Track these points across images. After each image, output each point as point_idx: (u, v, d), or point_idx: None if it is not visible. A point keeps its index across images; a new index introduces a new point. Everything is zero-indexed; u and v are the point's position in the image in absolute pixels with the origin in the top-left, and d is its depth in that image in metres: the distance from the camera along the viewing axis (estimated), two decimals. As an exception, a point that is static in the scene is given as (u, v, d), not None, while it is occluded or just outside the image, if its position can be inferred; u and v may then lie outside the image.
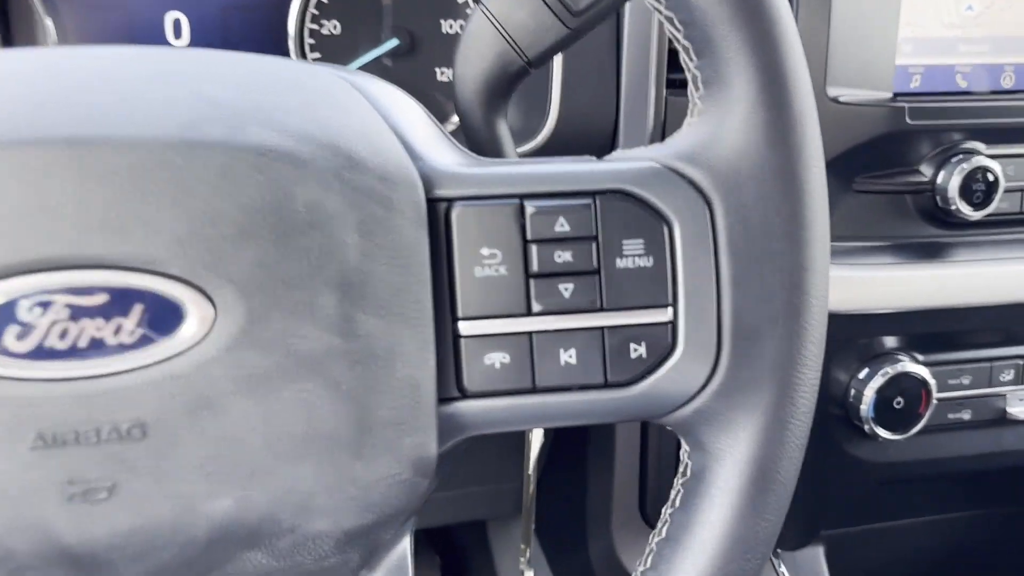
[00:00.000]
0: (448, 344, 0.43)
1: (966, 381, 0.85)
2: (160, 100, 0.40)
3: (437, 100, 0.96)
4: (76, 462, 0.37)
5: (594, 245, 0.43)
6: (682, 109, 0.88)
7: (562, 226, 0.43)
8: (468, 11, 0.92)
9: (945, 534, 1.01)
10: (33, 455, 0.37)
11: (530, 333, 0.43)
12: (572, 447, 0.93)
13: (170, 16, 0.88)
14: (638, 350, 0.44)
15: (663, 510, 0.47)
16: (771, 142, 0.44)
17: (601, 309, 0.43)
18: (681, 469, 0.47)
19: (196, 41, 0.89)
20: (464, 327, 0.43)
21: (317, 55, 0.90)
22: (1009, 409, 0.86)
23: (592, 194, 0.44)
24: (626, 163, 0.45)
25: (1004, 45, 0.85)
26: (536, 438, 0.71)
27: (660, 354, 0.44)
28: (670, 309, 0.44)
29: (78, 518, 0.37)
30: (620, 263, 0.44)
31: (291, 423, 0.39)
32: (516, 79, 0.61)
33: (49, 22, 0.85)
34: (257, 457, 0.39)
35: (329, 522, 0.41)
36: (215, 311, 0.38)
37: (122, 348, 0.37)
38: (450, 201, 0.43)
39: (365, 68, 0.91)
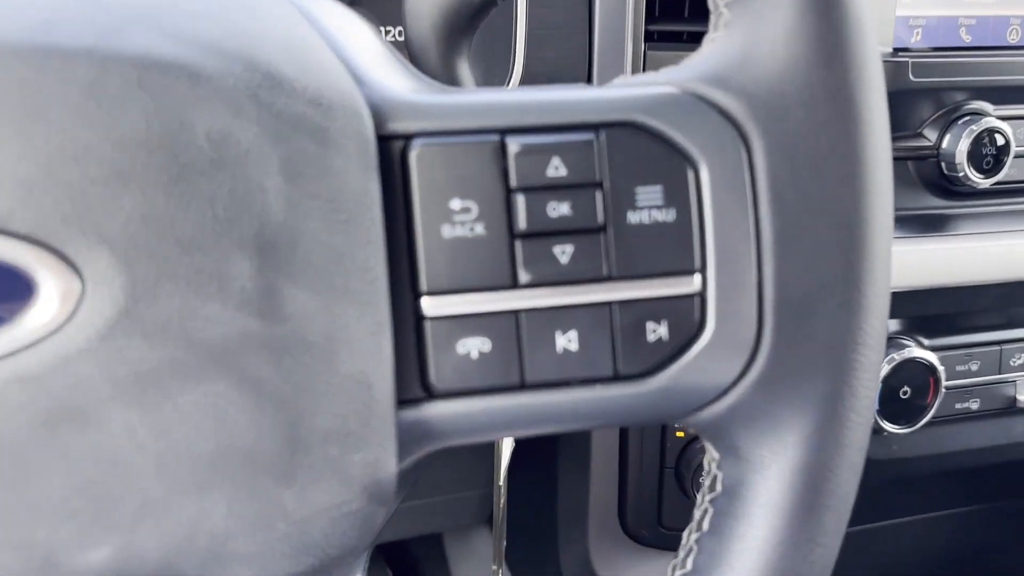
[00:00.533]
0: (409, 328, 0.32)
1: (975, 367, 0.77)
2: None
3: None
4: None
5: (599, 194, 0.33)
6: (663, 64, 0.79)
7: (557, 169, 0.33)
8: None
9: (949, 531, 0.93)
10: None
11: (516, 312, 0.33)
12: (540, 444, 0.83)
13: None
14: (657, 331, 0.33)
15: (685, 534, 0.37)
16: (824, 57, 0.34)
17: (609, 278, 0.33)
18: (708, 482, 0.37)
19: None
20: (429, 305, 0.32)
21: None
22: (1020, 396, 0.78)
23: (595, 127, 0.33)
24: (637, 88, 0.35)
25: (1010, -5, 0.77)
26: (508, 442, 0.61)
27: (685, 336, 0.34)
28: (697, 277, 0.34)
29: None
30: (633, 217, 0.33)
31: (194, 439, 0.28)
32: (481, 9, 0.50)
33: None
34: (146, 487, 0.28)
35: (251, 572, 0.30)
36: (82, 284, 0.27)
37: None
38: (408, 138, 0.32)
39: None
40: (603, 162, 0.33)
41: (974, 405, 0.77)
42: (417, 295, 0.32)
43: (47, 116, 0.27)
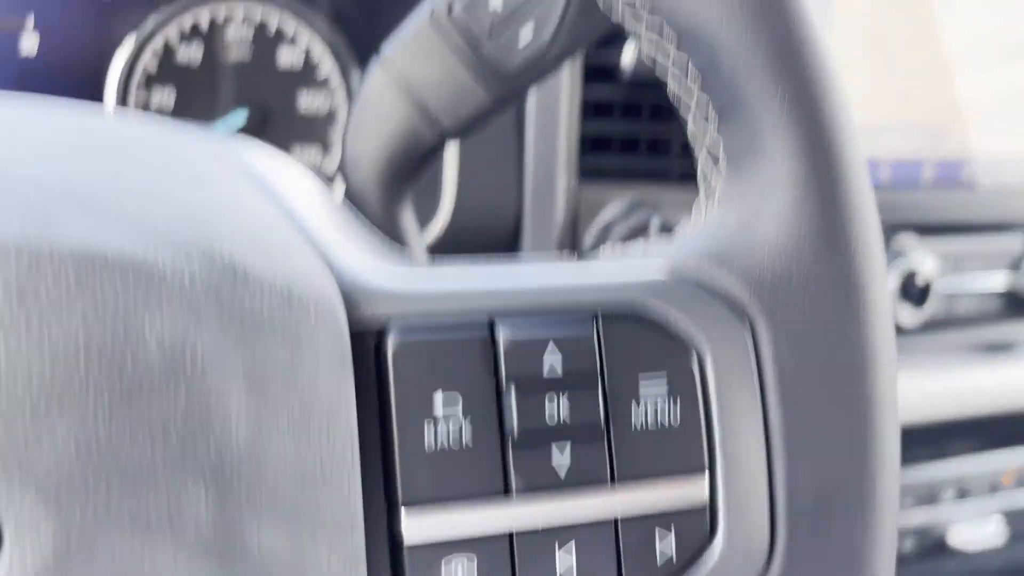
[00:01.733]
0: (384, 557, 0.27)
1: (907, 502, 0.76)
2: None
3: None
4: None
5: (599, 389, 0.30)
6: (595, 201, 0.77)
7: (553, 361, 0.29)
8: (330, 86, 0.78)
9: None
10: None
11: (510, 533, 0.28)
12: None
13: (-52, 79, 0.69)
14: (665, 547, 0.30)
15: None
16: (827, 241, 0.32)
17: (612, 480, 0.30)
18: None
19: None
20: (409, 524, 0.27)
21: (145, 131, 0.74)
22: (951, 539, 0.77)
23: (592, 312, 0.30)
24: (632, 268, 0.32)
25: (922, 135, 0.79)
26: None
27: (694, 550, 0.30)
28: (705, 479, 0.30)
29: None
30: (636, 413, 0.30)
31: None
32: (426, 157, 0.47)
33: None
34: None
35: None
36: (1, 537, 0.22)
37: None
38: (383, 328, 0.28)
39: (206, 148, 0.75)
40: (602, 353, 0.30)
41: (907, 545, 0.76)
42: (394, 509, 0.28)
43: None
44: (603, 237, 0.69)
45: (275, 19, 0.76)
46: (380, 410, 0.28)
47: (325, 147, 0.79)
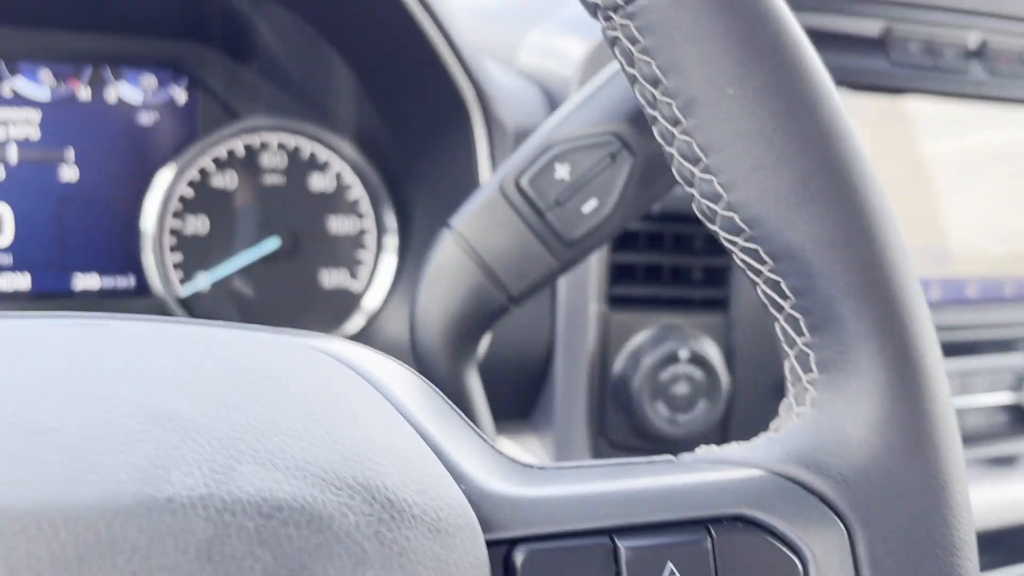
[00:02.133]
0: None
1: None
2: (97, 429, 0.25)
3: (322, 311, 0.82)
4: None
5: None
6: (624, 328, 0.79)
7: (671, 573, 0.31)
8: (359, 210, 0.80)
9: None
10: None
11: None
12: None
13: (-19, 211, 0.70)
14: None
15: None
16: (916, 446, 0.34)
17: None
18: None
19: (22, 241, 0.71)
20: None
21: (179, 257, 0.75)
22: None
23: (704, 523, 0.32)
24: (734, 472, 0.33)
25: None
26: None
27: None
28: None
29: None
30: None
31: None
32: (492, 319, 0.49)
33: None
34: None
35: None
36: None
37: None
38: (512, 543, 0.30)
39: (239, 273, 0.77)
40: (716, 563, 0.31)
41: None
42: None
43: None
44: (634, 363, 0.71)
45: (308, 147, 0.78)
46: None
47: (352, 270, 0.81)
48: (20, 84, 0.71)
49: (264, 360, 0.30)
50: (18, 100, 0.71)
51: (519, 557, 0.29)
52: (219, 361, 0.30)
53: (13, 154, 0.71)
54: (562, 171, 0.47)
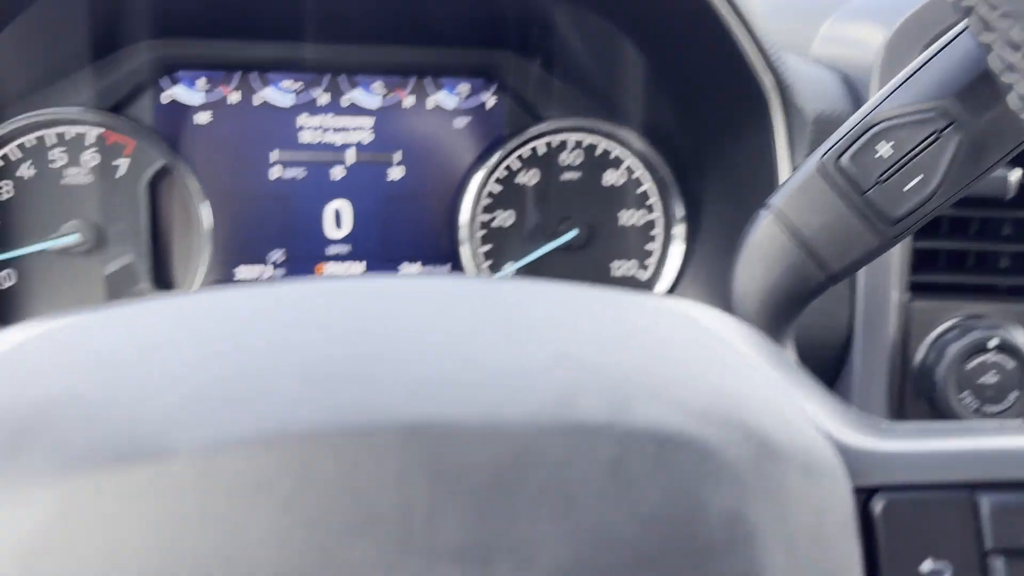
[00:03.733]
0: None
1: None
2: (517, 364, 0.29)
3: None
4: None
5: None
6: (929, 315, 0.78)
7: None
8: (648, 202, 0.84)
9: None
10: None
11: None
12: None
13: (331, 206, 0.81)
14: None
15: None
16: None
17: None
18: None
19: (358, 232, 0.80)
20: None
21: (488, 246, 0.82)
22: None
23: None
24: None
25: None
26: None
27: None
28: None
29: None
30: None
31: None
32: (810, 297, 0.50)
33: (207, 207, 0.77)
34: None
35: None
36: None
37: None
38: (871, 492, 0.32)
39: (538, 262, 0.83)
40: None
41: None
42: None
43: (576, 499, 0.27)
44: (938, 353, 0.70)
45: (602, 144, 0.83)
46: (868, 569, 0.31)
47: (641, 260, 0.84)
48: (357, 95, 0.80)
49: (648, 316, 0.34)
50: (354, 109, 0.80)
51: (878, 505, 0.31)
52: (610, 316, 0.34)
53: (351, 156, 0.80)
54: (885, 149, 0.47)
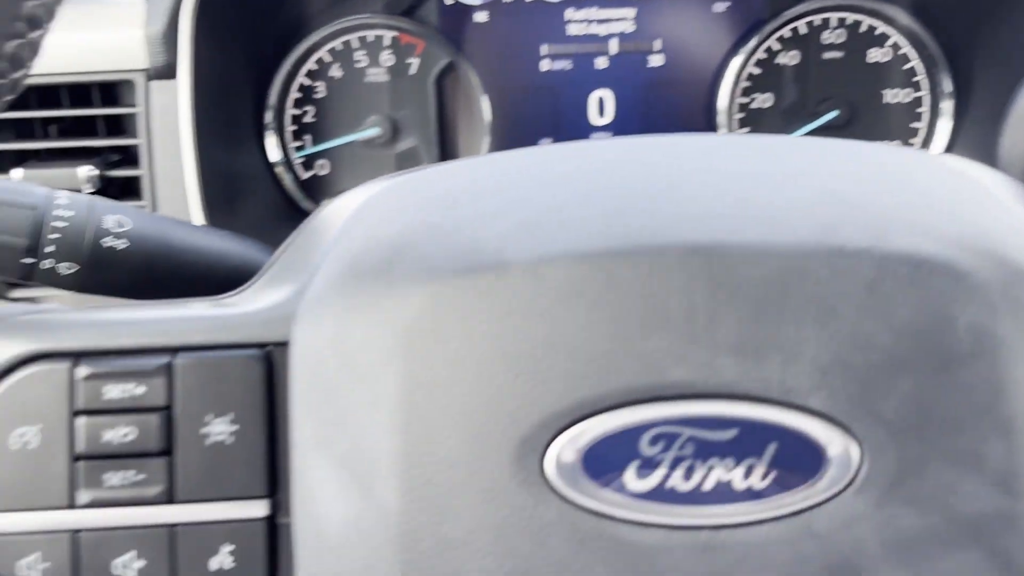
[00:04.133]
0: None
1: None
2: (786, 200, 0.34)
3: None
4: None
5: None
6: None
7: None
8: (915, 79, 0.83)
9: None
10: None
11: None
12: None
13: (595, 95, 0.86)
14: None
15: None
16: None
17: None
18: None
19: (620, 119, 0.86)
20: None
21: (747, 129, 0.85)
22: None
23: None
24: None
25: None
26: None
27: None
28: None
29: None
30: None
31: None
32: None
33: (486, 100, 0.85)
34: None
35: None
36: (861, 456, 0.31)
37: (751, 495, 0.31)
38: None
39: (797, 143, 0.84)
40: None
41: None
42: None
43: (837, 309, 0.32)
44: None
45: (866, 21, 0.82)
46: None
47: (905, 140, 0.84)
48: (620, -13, 0.85)
49: (910, 162, 0.38)
50: (618, 0, 0.85)
51: None
52: (875, 161, 0.37)
53: (614, 46, 0.85)
54: None
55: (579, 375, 0.31)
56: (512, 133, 0.87)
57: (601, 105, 0.86)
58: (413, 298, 0.32)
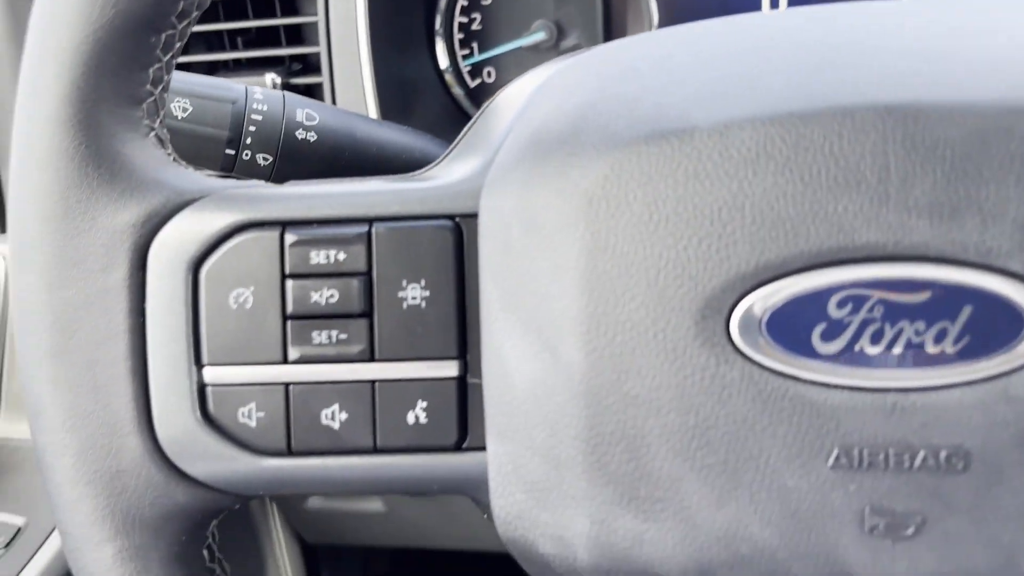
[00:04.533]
0: None
1: None
2: (984, 56, 0.33)
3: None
4: (882, 489, 0.31)
5: None
6: None
7: None
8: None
9: None
10: (833, 474, 0.32)
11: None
12: None
13: (769, -11, 0.83)
14: None
15: None
16: None
17: None
18: None
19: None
20: None
21: None
22: None
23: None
24: None
25: None
26: None
27: None
28: None
29: (876, 553, 0.32)
30: None
31: None
32: None
33: (654, 1, 0.84)
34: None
35: None
36: None
37: (944, 358, 0.31)
38: None
39: None
40: None
41: None
42: None
43: None
44: None
45: None
46: None
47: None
48: None
49: None
50: None
51: None
52: None
53: (789, -63, 0.82)
54: None
55: (766, 237, 0.31)
56: (680, 33, 0.85)
57: (774, 3, 0.83)
58: (597, 164, 0.33)
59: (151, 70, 0.36)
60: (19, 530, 0.66)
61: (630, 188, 0.32)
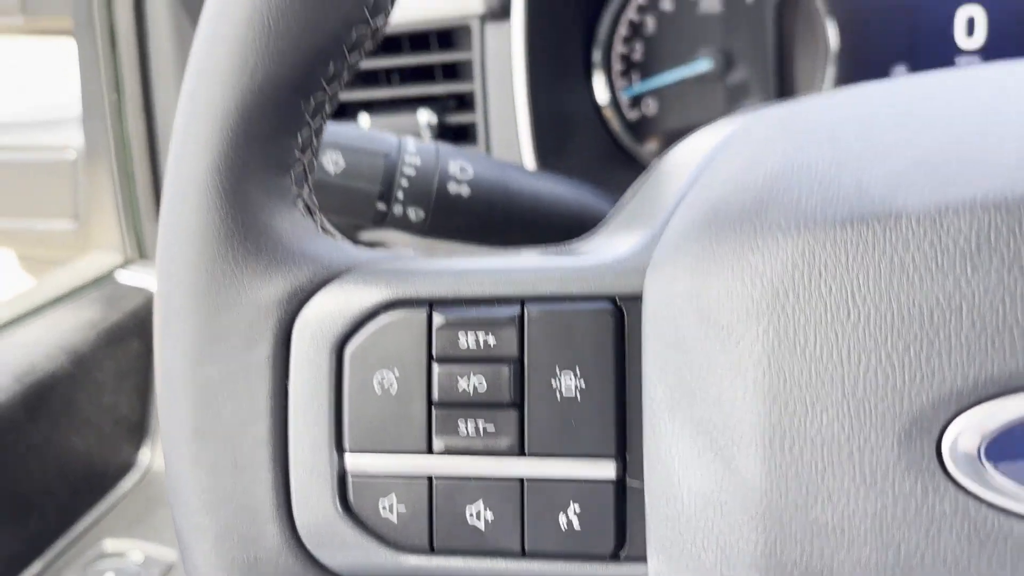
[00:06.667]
0: None
1: None
2: None
3: None
4: None
5: None
6: None
7: None
8: None
9: None
10: None
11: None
12: None
13: (963, 12, 0.76)
14: None
15: None
16: None
17: None
18: None
19: (993, 41, 0.75)
20: None
21: None
22: None
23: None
24: None
25: None
26: None
27: None
28: None
29: None
30: None
31: None
32: None
33: (832, 24, 0.78)
34: None
35: None
36: None
37: None
38: None
39: None
40: None
41: None
42: None
43: None
44: None
45: None
46: None
47: None
48: None
49: None
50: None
51: None
52: None
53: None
54: None
55: (987, 346, 0.26)
56: (861, 61, 0.78)
57: (970, 25, 0.75)
58: (785, 249, 0.29)
59: (300, 135, 0.34)
60: (171, 567, 0.67)
61: (823, 279, 0.28)
